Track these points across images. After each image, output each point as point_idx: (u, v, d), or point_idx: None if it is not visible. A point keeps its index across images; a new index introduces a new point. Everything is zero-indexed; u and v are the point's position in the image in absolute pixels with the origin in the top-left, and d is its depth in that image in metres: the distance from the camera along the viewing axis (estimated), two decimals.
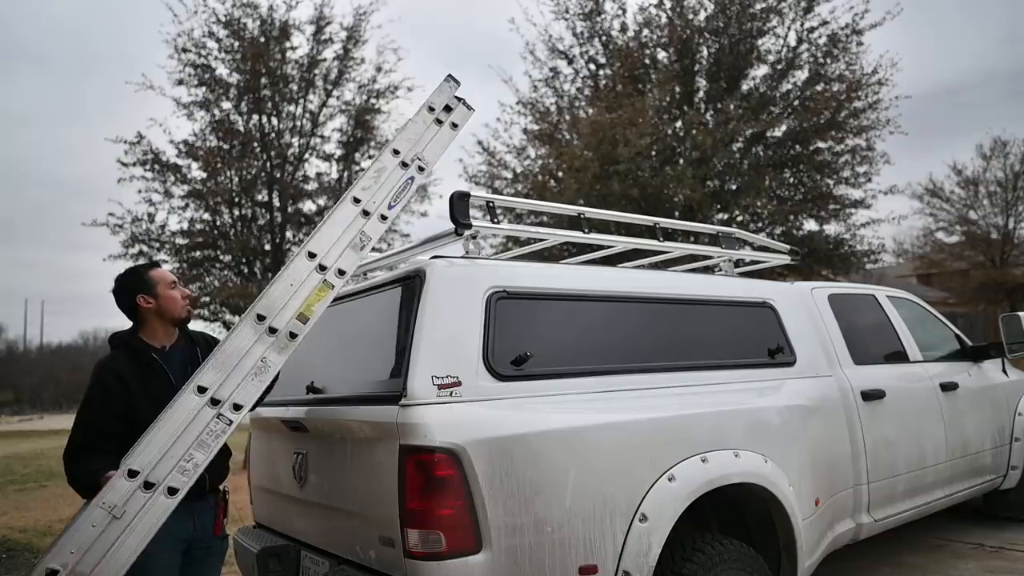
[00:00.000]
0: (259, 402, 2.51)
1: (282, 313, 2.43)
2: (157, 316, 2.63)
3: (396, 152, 2.88)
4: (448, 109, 3.10)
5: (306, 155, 11.74)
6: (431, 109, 3.07)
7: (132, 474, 2.13)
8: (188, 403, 2.24)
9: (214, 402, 2.27)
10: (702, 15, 11.15)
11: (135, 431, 2.35)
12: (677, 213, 10.27)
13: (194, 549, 2.61)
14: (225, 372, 2.30)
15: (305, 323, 2.46)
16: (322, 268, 2.53)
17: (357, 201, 2.71)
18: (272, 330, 2.40)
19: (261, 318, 2.40)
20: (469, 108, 3.19)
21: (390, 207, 2.78)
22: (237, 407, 2.30)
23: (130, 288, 2.63)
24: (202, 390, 2.26)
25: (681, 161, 10.79)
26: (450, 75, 3.18)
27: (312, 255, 2.53)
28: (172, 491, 2.17)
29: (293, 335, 2.43)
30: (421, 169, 2.93)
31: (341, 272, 2.57)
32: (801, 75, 11.23)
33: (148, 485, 2.14)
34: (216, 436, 2.26)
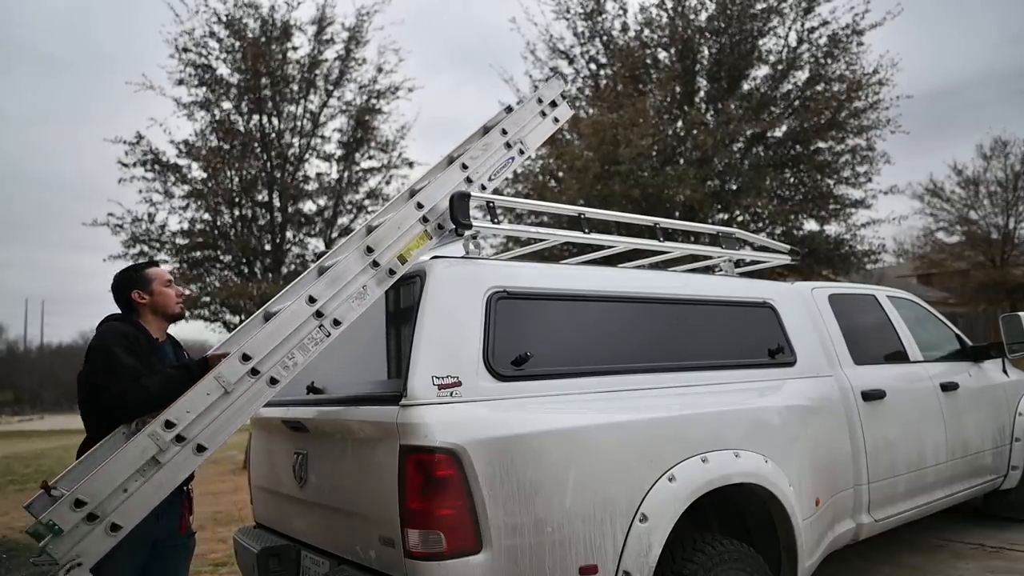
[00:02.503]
0: None
1: (387, 251, 2.61)
2: (151, 311, 2.79)
3: (504, 132, 3.21)
4: (553, 104, 3.47)
5: (306, 155, 11.76)
6: (539, 101, 3.42)
7: (245, 358, 2.33)
8: (299, 310, 2.44)
9: (319, 314, 2.46)
10: (703, 15, 11.17)
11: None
12: (678, 213, 10.27)
13: (160, 548, 2.68)
14: (333, 290, 2.49)
15: (403, 264, 2.63)
16: (425, 220, 2.73)
17: (465, 167, 3.00)
18: (375, 264, 2.59)
19: (370, 250, 2.58)
20: (571, 107, 3.52)
21: (490, 179, 3.10)
22: (337, 323, 2.49)
23: (125, 284, 2.79)
24: (312, 300, 2.45)
25: (682, 161, 10.80)
26: (558, 72, 3.59)
27: (420, 206, 2.73)
28: (273, 381, 2.38)
29: (392, 272, 2.60)
30: (522, 152, 3.28)
31: (440, 227, 2.75)
32: (802, 75, 11.25)
33: (255, 372, 2.35)
34: (316, 343, 2.45)
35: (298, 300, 2.46)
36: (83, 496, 2.05)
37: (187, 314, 2.98)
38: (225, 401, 2.28)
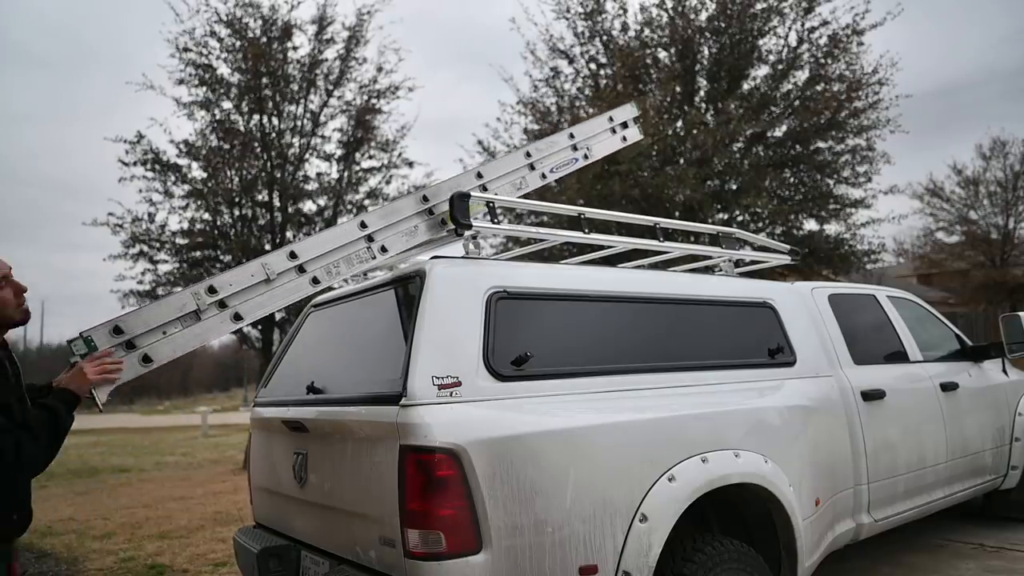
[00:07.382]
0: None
1: (444, 203, 2.91)
2: None
3: (572, 136, 3.62)
4: (625, 125, 3.98)
5: (306, 155, 11.74)
6: (611, 119, 3.90)
7: (292, 255, 2.62)
8: (350, 229, 2.75)
9: (369, 238, 2.76)
10: (703, 15, 11.15)
11: None
12: (677, 213, 10.27)
13: None
14: (385, 221, 2.78)
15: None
16: (484, 189, 3.11)
17: (529, 155, 3.40)
18: (431, 212, 2.91)
19: (425, 199, 2.87)
20: (641, 133, 4.07)
21: (551, 171, 3.49)
22: (384, 249, 2.77)
23: None
24: (364, 225, 2.74)
25: (682, 161, 10.79)
26: (634, 102, 4.13)
27: (480, 175, 3.11)
28: (315, 281, 2.66)
29: (444, 222, 2.91)
30: (586, 156, 3.71)
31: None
32: (802, 75, 11.24)
33: (301, 269, 2.62)
34: (362, 261, 2.74)
35: (351, 221, 2.69)
36: (122, 325, 2.31)
37: (29, 317, 2.44)
38: (265, 286, 2.55)
